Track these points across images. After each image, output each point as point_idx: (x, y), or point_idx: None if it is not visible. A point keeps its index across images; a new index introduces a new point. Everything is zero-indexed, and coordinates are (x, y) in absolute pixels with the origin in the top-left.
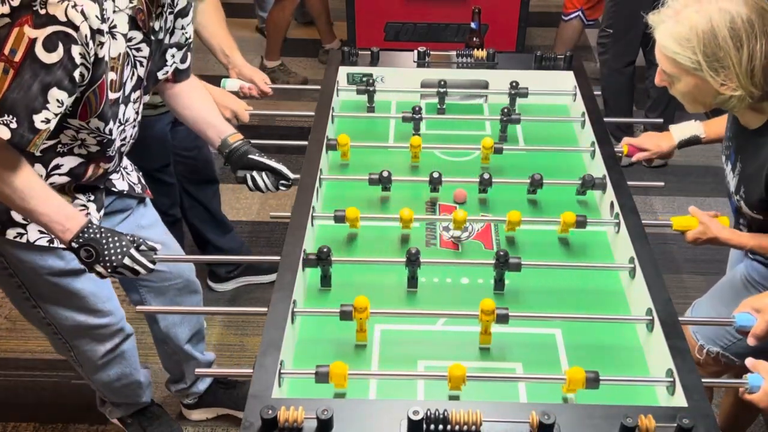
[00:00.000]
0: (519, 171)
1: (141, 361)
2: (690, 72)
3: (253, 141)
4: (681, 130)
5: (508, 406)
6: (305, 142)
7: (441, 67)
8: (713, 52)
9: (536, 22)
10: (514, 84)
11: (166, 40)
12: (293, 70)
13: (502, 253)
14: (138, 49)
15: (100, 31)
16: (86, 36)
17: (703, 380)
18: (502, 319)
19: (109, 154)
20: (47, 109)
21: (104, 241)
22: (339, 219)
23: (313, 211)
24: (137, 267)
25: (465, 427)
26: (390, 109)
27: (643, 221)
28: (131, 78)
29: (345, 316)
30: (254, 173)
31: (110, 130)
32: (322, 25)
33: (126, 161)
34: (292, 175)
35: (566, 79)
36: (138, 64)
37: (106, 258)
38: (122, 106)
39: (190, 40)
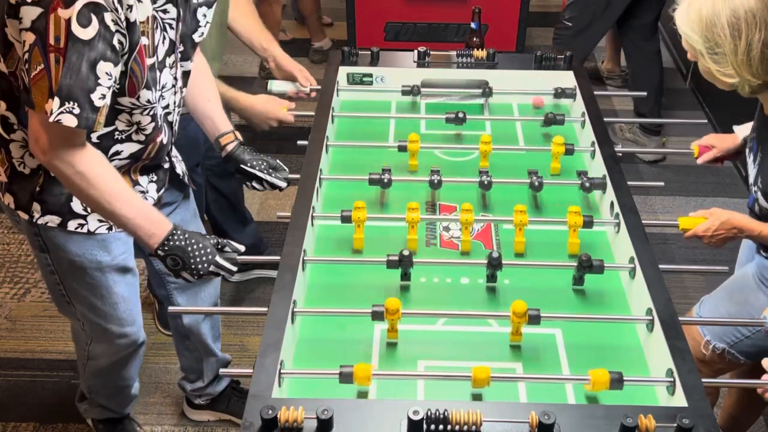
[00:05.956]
0: (519, 171)
1: (145, 361)
2: (700, 54)
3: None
4: (744, 129)
5: (508, 406)
6: (305, 142)
7: (441, 67)
8: (712, 38)
9: (536, 22)
10: (559, 90)
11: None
12: None
13: (495, 255)
14: (165, 11)
15: None
16: (113, 2)
17: (717, 380)
18: (534, 320)
19: (159, 124)
20: (100, 84)
21: (189, 249)
22: (345, 219)
23: (313, 211)
24: (222, 272)
25: (465, 427)
26: (390, 109)
27: (643, 221)
28: (163, 42)
29: (376, 316)
30: (251, 182)
31: (155, 98)
32: (312, 23)
33: (175, 150)
34: (283, 185)
35: (566, 79)
36: (168, 26)
37: (192, 267)
38: (158, 72)
39: None
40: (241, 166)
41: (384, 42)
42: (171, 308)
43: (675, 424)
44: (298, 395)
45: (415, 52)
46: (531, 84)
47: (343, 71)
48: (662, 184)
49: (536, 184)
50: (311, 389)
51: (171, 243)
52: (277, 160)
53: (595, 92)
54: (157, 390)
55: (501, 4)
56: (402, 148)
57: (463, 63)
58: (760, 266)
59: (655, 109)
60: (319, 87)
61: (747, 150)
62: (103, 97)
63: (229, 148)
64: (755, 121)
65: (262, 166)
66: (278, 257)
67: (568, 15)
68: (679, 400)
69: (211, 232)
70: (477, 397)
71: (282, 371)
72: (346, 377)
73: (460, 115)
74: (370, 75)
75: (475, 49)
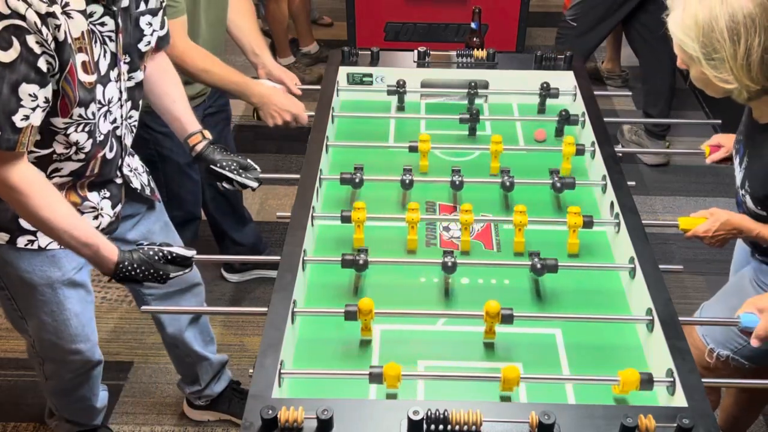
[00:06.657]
0: (519, 171)
1: (145, 361)
2: (694, 60)
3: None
4: None
5: (508, 406)
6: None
7: (441, 67)
8: (710, 44)
9: (536, 22)
10: (544, 85)
11: (138, 8)
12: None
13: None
14: (102, 24)
15: (50, 14)
16: (36, 23)
17: (717, 380)
18: (507, 319)
19: (99, 140)
20: (23, 106)
21: (141, 276)
22: (345, 219)
23: (313, 211)
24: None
25: (465, 427)
26: (390, 109)
27: (643, 221)
28: (104, 56)
29: (350, 316)
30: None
31: (93, 113)
32: (301, 26)
33: (137, 163)
34: (254, 185)
35: (566, 79)
36: (107, 39)
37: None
38: (99, 87)
39: (164, 4)
40: (211, 166)
41: (384, 42)
42: (150, 308)
43: (675, 424)
44: (298, 395)
45: (415, 52)
46: (531, 84)
47: (343, 71)
48: (633, 183)
49: (558, 185)
50: (311, 389)
51: (120, 275)
52: (248, 160)
53: (595, 92)
54: (157, 390)
55: (501, 4)
56: (413, 149)
57: (463, 63)
58: (756, 270)
59: (665, 111)
60: (320, 87)
61: (734, 152)
62: (26, 118)
63: (198, 148)
64: (741, 125)
65: (232, 167)
66: (278, 257)
67: (573, 14)
68: (679, 400)
69: (210, 231)
70: (476, 397)
71: (282, 371)
72: (375, 378)
73: (474, 113)
74: (370, 75)
75: (475, 49)
